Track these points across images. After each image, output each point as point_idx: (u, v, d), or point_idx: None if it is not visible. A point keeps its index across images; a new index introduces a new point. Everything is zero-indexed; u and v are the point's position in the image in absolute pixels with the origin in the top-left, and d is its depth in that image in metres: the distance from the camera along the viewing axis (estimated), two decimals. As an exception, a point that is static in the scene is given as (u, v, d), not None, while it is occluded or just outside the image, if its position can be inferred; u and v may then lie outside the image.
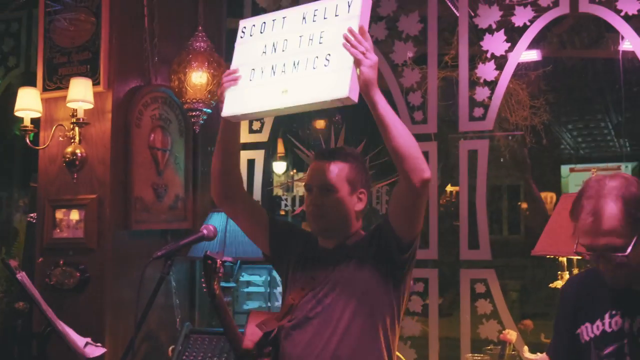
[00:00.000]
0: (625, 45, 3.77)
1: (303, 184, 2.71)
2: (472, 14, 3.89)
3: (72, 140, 3.62)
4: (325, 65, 2.22)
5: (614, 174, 2.13)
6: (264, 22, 2.45)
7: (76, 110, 3.57)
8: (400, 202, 2.35)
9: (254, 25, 2.48)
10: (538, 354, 3.05)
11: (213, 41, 3.93)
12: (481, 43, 3.88)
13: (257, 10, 4.45)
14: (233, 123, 2.50)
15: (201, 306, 4.34)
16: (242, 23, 2.53)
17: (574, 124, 7.75)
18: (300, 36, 2.32)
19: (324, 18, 2.29)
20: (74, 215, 3.66)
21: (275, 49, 2.38)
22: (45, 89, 3.79)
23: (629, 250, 2.01)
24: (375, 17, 4.14)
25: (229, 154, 2.58)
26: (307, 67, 2.27)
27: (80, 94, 3.51)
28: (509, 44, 3.81)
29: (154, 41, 3.94)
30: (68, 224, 3.67)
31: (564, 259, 3.43)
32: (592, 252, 2.11)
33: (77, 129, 3.60)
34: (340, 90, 2.14)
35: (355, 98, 2.15)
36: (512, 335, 3.44)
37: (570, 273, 3.39)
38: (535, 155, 4.53)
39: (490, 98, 3.85)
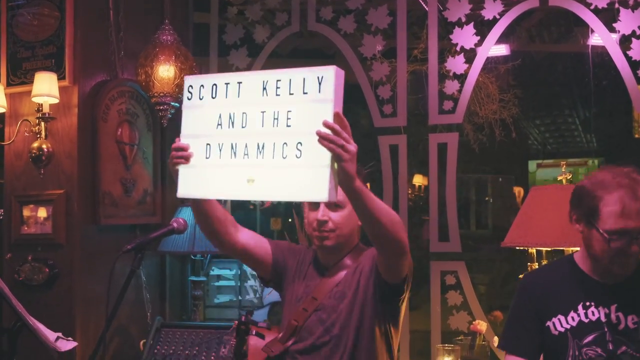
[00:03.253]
0: (595, 40, 3.80)
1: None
2: (442, 8, 3.90)
3: (38, 136, 3.57)
4: (297, 157, 2.00)
5: (624, 169, 2.28)
6: (215, 85, 2.20)
7: (41, 105, 3.52)
8: (381, 264, 2.42)
9: (202, 86, 2.22)
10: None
11: (180, 34, 3.89)
12: (450, 36, 3.88)
13: (223, 3, 4.42)
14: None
15: (172, 300, 4.31)
16: (188, 81, 2.27)
17: (541, 119, 7.83)
18: (262, 112, 2.09)
19: (290, 93, 2.04)
20: (42, 210, 3.61)
21: (232, 123, 2.15)
22: (9, 84, 3.73)
23: None
24: (344, 10, 4.13)
25: (206, 220, 2.49)
26: (275, 155, 2.04)
27: (45, 88, 3.46)
28: (478, 38, 3.82)
29: (120, 35, 3.89)
30: (36, 220, 3.63)
31: (534, 251, 3.45)
32: (623, 235, 2.19)
33: (43, 124, 3.55)
34: (318, 192, 1.96)
35: (334, 198, 1.99)
36: (482, 325, 3.46)
37: (540, 265, 3.41)
38: (503, 149, 4.56)
39: (459, 91, 3.86)
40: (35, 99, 3.51)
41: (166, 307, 4.30)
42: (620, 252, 2.21)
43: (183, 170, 2.22)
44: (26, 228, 3.65)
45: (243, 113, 2.13)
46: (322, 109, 1.96)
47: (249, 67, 4.28)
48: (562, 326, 2.32)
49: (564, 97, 6.94)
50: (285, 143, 2.03)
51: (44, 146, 3.57)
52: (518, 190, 7.43)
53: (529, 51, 4.50)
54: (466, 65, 3.85)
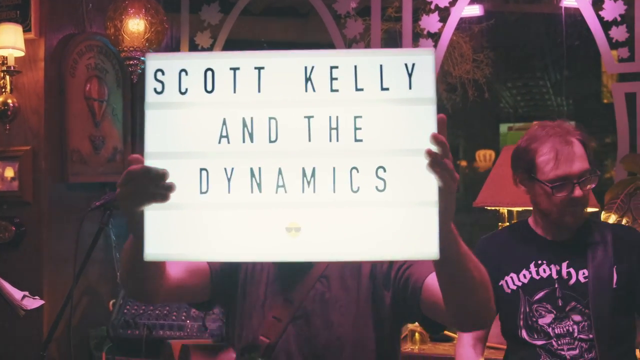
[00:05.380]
0: (568, 1, 3.78)
1: None
2: (416, -35, 3.85)
3: (3, 90, 3.48)
4: (378, 190, 1.34)
5: (553, 122, 2.34)
6: (211, 71, 1.39)
7: (6, 57, 3.42)
8: (441, 317, 1.66)
9: (184, 72, 1.39)
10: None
11: (150, -13, 3.79)
12: (425, -6, 3.85)
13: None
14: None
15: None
16: (154, 62, 1.40)
17: (513, 82, 7.85)
18: (308, 117, 1.37)
19: (358, 89, 1.37)
20: (8, 167, 3.53)
21: (251, 135, 1.38)
22: (-27, 36, 3.62)
23: (598, 173, 2.25)
24: (318, -33, 4.06)
25: (142, 283, 1.63)
26: (338, 187, 1.36)
27: (10, 40, 3.37)
28: (452, -5, 3.79)
29: (89, -14, 3.79)
30: (1, 177, 3.55)
31: (505, 210, 3.48)
32: (564, 182, 2.23)
33: (8, 77, 3.46)
34: (422, 247, 1.33)
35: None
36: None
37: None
38: (475, 112, 4.56)
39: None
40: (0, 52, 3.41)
41: (136, 266, 4.24)
42: (567, 201, 2.25)
43: (154, 213, 1.37)
44: (-8, 185, 3.58)
45: (270, 118, 1.38)
46: (419, 113, 1.34)
47: (220, 24, 4.20)
48: (514, 284, 2.36)
49: (537, 59, 6.96)
50: (354, 168, 1.35)
51: (9, 101, 3.48)
52: (489, 153, 7.47)
53: (502, 11, 4.47)
54: (440, 24, 3.81)
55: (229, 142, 1.38)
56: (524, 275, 2.35)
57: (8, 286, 2.83)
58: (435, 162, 1.27)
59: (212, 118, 1.39)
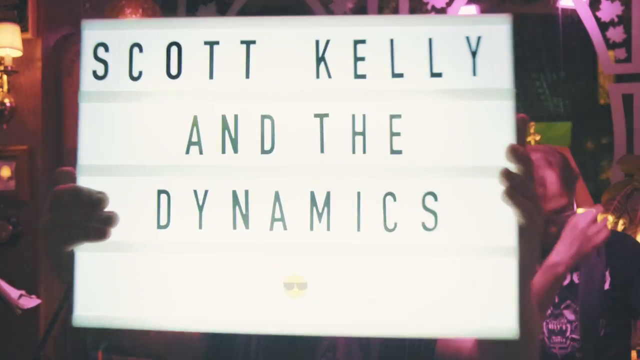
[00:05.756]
0: (564, 1, 3.80)
1: None
2: (413, -35, 3.86)
3: (0, 89, 3.48)
4: (426, 228, 0.91)
5: (531, 147, 2.28)
6: (177, 46, 0.96)
7: (3, 57, 3.43)
8: None
9: (137, 48, 0.96)
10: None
11: (148, -12, 3.80)
12: (422, -5, 3.86)
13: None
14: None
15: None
16: (94, 32, 0.97)
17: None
18: (321, 115, 0.94)
19: (395, 74, 0.93)
20: (5, 166, 3.53)
21: (235, 140, 0.94)
22: (-30, 36, 3.62)
23: (575, 208, 2.14)
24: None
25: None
26: (364, 222, 0.92)
27: (8, 40, 3.37)
28: (449, -3, 3.80)
29: (86, -14, 3.80)
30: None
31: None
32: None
33: (5, 77, 3.47)
34: (494, 322, 0.89)
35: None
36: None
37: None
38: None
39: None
40: (-3, 51, 3.42)
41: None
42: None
43: (88, 256, 0.94)
44: (-12, 184, 3.58)
45: (264, 117, 0.94)
46: (488, 112, 0.91)
47: (217, 24, 4.19)
48: None
49: (533, 60, 6.97)
50: (390, 194, 0.92)
51: (6, 100, 3.48)
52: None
53: (498, 12, 4.48)
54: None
55: (201, 152, 0.93)
56: None
57: (5, 285, 2.83)
58: (516, 188, 0.87)
59: (178, 116, 0.94)
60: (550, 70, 7.25)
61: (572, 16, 3.74)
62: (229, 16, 4.17)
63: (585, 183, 3.16)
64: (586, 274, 2.26)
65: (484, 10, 4.13)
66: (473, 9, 4.14)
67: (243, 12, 4.27)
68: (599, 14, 3.52)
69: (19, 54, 3.44)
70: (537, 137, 3.52)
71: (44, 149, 3.53)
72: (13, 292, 2.81)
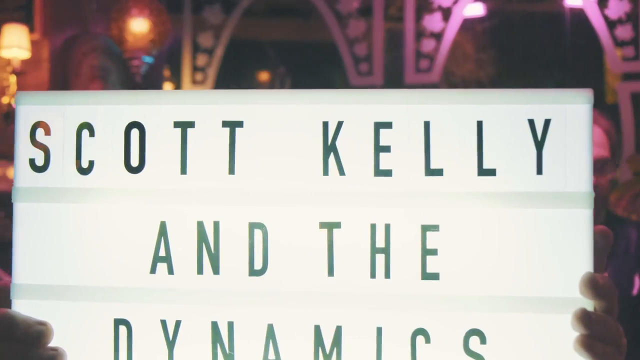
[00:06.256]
0: (572, 0, 3.79)
1: None
2: (419, -35, 3.86)
3: (8, 90, 3.49)
4: None
5: None
6: (139, 128, 0.73)
7: (11, 59, 3.43)
8: None
9: (87, 129, 0.74)
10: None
11: (154, -12, 3.81)
12: (427, -6, 3.85)
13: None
14: None
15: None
16: (31, 107, 0.74)
17: (515, 81, 7.84)
18: (329, 226, 0.71)
19: (430, 171, 0.70)
20: (13, 167, 3.55)
21: (215, 256, 0.73)
22: (-23, 37, 3.64)
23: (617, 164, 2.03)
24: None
25: None
26: None
27: (15, 41, 3.38)
28: (455, -5, 3.80)
29: (93, -12, 3.81)
30: (7, 176, 3.57)
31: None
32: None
33: (13, 78, 3.47)
34: None
35: None
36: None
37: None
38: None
39: (436, 50, 3.84)
40: (4, 52, 3.42)
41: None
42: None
43: None
44: (-3, 185, 3.60)
45: (253, 226, 0.72)
46: (557, 224, 0.70)
47: (223, 25, 4.20)
48: None
49: (540, 59, 6.95)
50: (421, 332, 0.71)
51: (13, 102, 3.49)
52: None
53: (505, 11, 4.47)
54: (443, 24, 3.82)
55: (171, 272, 0.73)
56: None
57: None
58: (596, 336, 0.66)
59: (141, 222, 0.73)
60: (558, 68, 7.23)
61: (579, 14, 3.73)
62: (234, 15, 4.18)
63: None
64: (611, 278, 2.13)
65: (490, 9, 4.12)
66: (480, 7, 4.13)
67: (249, 12, 4.26)
68: (606, 11, 3.51)
69: (26, 55, 3.45)
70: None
71: (52, 150, 3.54)
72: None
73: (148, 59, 3.70)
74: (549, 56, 6.71)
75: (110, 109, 0.74)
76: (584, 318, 0.65)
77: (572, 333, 0.66)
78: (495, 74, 4.34)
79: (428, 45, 3.85)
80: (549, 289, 0.68)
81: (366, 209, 0.70)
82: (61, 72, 3.60)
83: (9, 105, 3.48)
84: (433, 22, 3.84)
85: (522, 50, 6.29)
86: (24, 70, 3.47)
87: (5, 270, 3.00)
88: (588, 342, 0.65)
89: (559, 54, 6.22)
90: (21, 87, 3.51)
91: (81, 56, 3.70)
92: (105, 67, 3.88)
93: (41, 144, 0.74)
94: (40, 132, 0.74)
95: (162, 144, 0.73)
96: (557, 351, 0.67)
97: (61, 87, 3.60)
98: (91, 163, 0.73)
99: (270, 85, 4.78)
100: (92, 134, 0.73)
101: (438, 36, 3.84)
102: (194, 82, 4.38)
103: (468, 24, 4.06)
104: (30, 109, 0.74)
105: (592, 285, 0.66)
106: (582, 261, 0.68)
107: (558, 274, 0.68)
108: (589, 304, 0.66)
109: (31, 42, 3.46)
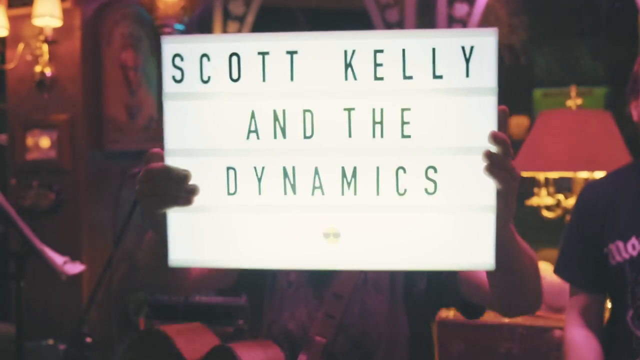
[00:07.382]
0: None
1: None
2: None
3: (41, 59, 3.52)
4: (428, 192, 1.20)
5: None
6: (237, 56, 1.21)
7: (43, 27, 3.45)
8: (482, 299, 1.58)
9: (205, 57, 1.21)
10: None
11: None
12: (460, -43, 3.79)
13: None
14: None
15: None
16: (171, 45, 1.22)
17: (549, 46, 7.71)
18: (348, 109, 1.20)
19: (406, 76, 1.18)
20: (46, 136, 3.58)
21: (283, 130, 1.21)
22: (10, 6, 3.65)
23: None
24: None
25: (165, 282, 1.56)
26: (382, 189, 1.21)
27: (47, 10, 3.39)
28: (488, -42, 3.73)
29: (123, -45, 3.80)
30: (40, 145, 3.61)
31: (542, 177, 3.44)
32: None
33: (45, 47, 3.49)
34: (476, 256, 1.20)
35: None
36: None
37: (548, 190, 3.41)
38: (509, 77, 4.50)
39: (469, 15, 3.79)
40: (37, 21, 3.44)
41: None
42: None
43: (178, 216, 1.24)
44: (31, 152, 3.63)
45: (305, 111, 1.21)
46: (476, 105, 1.17)
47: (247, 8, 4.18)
48: (620, 255, 1.81)
49: (573, 23, 6.82)
50: (401, 168, 1.19)
51: (46, 70, 3.52)
52: (523, 120, 7.38)
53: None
54: (476, -12, 3.77)
55: (258, 138, 1.21)
56: (633, 246, 1.79)
57: (50, 252, 2.88)
58: (495, 165, 1.12)
59: (239, 110, 1.21)
60: (591, 33, 7.10)
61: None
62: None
63: (626, 146, 3.08)
64: None
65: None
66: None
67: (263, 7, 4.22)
68: (643, -26, 3.43)
69: (58, 23, 3.47)
70: (579, 101, 3.45)
71: (84, 118, 3.57)
72: (58, 259, 2.86)
73: (179, 27, 3.70)
74: (583, 21, 6.59)
75: (219, 45, 1.21)
76: (487, 154, 1.11)
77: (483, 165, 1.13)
78: (528, 39, 4.28)
79: (461, 9, 3.79)
80: (472, 142, 1.15)
81: (369, 99, 1.18)
82: (93, 40, 3.61)
83: (42, 73, 3.51)
84: (465, -14, 3.78)
85: (556, 14, 6.19)
86: (56, 38, 3.49)
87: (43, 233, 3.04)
88: (489, 168, 1.12)
89: (593, 19, 6.11)
90: (53, 55, 3.53)
91: (112, 24, 3.70)
92: (136, 35, 3.88)
93: (178, 66, 1.20)
94: (177, 60, 1.20)
95: (250, 65, 1.19)
96: (476, 175, 1.14)
97: (93, 55, 3.61)
98: (209, 77, 1.20)
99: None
100: (209, 60, 1.20)
101: (471, 1, 3.79)
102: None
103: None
104: (172, 46, 1.20)
105: (494, 136, 1.12)
106: (491, 123, 1.14)
107: (478, 133, 1.14)
108: (493, 149, 1.12)
109: (63, 10, 3.47)
